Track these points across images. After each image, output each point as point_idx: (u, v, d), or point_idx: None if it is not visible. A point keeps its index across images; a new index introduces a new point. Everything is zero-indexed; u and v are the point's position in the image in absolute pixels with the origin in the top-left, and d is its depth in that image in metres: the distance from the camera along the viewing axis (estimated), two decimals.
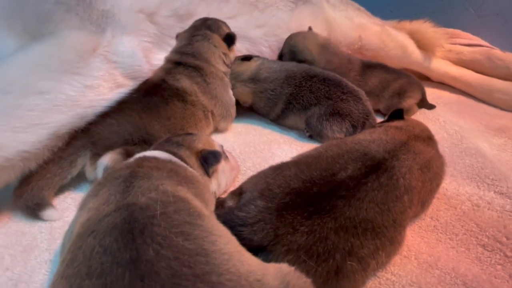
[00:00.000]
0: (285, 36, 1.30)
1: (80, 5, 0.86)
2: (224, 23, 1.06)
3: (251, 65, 1.03)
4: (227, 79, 1.01)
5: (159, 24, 1.02)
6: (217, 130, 1.01)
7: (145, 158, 0.56)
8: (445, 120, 1.19)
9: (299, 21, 1.35)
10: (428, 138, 0.76)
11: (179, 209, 0.44)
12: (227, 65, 1.01)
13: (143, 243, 0.37)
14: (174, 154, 0.61)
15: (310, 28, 1.25)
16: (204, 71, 0.92)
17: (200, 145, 0.67)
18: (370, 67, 1.17)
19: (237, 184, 0.79)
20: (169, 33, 1.05)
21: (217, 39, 0.98)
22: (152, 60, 0.98)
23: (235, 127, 1.05)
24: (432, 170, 0.67)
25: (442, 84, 1.54)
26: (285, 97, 1.00)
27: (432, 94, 1.41)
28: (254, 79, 1.02)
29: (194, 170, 0.62)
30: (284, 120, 1.03)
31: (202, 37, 0.96)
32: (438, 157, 0.71)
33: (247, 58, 1.05)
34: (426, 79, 1.55)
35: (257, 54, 1.22)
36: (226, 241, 0.44)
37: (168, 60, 0.96)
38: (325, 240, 0.49)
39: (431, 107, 1.27)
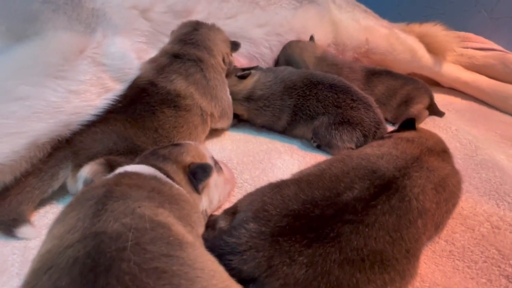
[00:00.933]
0: (288, 36, 1.23)
1: (69, 4, 0.80)
2: (222, 31, 0.96)
3: (248, 84, 0.96)
4: (224, 77, 0.92)
5: (153, 21, 0.96)
6: (214, 137, 0.95)
7: (125, 174, 0.50)
8: (457, 128, 1.11)
9: (304, 20, 1.28)
10: (442, 152, 0.68)
11: (156, 238, 0.38)
12: (225, 64, 0.93)
13: (106, 286, 0.31)
14: (159, 169, 0.55)
15: (311, 38, 1.18)
16: (204, 63, 0.83)
17: (189, 158, 0.60)
18: (375, 74, 1.09)
19: (233, 199, 0.73)
20: (164, 30, 0.98)
21: (224, 36, 0.93)
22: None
23: (234, 135, 0.98)
24: (448, 189, 0.60)
25: (453, 90, 1.45)
26: (289, 109, 0.93)
27: (442, 100, 1.32)
28: (249, 98, 0.95)
29: (182, 187, 0.55)
30: (292, 131, 0.96)
31: (208, 28, 0.90)
32: (455, 173, 0.64)
33: (243, 76, 0.96)
34: (436, 84, 1.47)
35: (257, 55, 1.16)
36: (210, 276, 0.38)
37: (164, 52, 0.86)
38: (328, 275, 0.42)
39: (441, 114, 1.19)
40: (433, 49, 1.39)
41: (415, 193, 0.54)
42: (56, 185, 0.66)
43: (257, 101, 0.95)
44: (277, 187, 0.54)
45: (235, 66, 1.02)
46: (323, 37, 1.35)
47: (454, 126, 1.12)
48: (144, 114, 0.73)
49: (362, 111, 0.89)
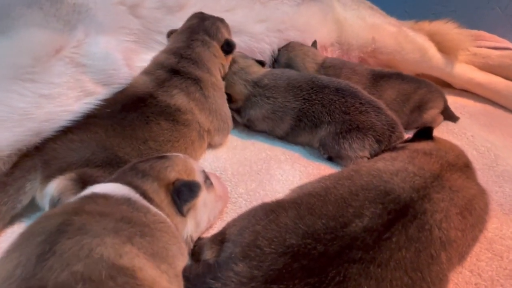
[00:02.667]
0: (289, 33, 1.13)
1: None
2: (223, 23, 0.89)
3: (261, 70, 0.91)
4: (223, 90, 0.86)
5: (143, 18, 0.86)
6: (209, 145, 0.86)
7: (91, 198, 0.41)
8: (473, 134, 1.01)
9: (306, 18, 1.19)
10: (465, 167, 0.59)
11: None
12: (222, 77, 0.88)
13: None
14: (136, 188, 0.46)
15: (314, 43, 1.10)
16: (204, 83, 0.78)
17: (174, 174, 0.51)
18: (383, 77, 0.98)
19: (226, 217, 0.64)
20: (156, 28, 0.88)
21: (217, 48, 0.85)
22: (135, 62, 0.82)
23: (231, 141, 0.89)
24: (475, 213, 0.50)
25: (465, 92, 1.34)
26: (293, 112, 0.84)
27: (454, 103, 1.22)
28: (256, 83, 0.88)
29: (162, 210, 0.46)
30: (295, 138, 0.87)
31: (202, 44, 0.83)
32: (482, 194, 0.54)
33: (261, 62, 0.94)
34: (446, 86, 1.36)
35: (256, 49, 1.07)
36: None
37: (160, 65, 0.78)
38: None
39: (455, 118, 1.08)
40: (445, 48, 1.28)
41: (437, 220, 0.45)
42: (25, 200, 0.58)
43: (260, 89, 0.87)
44: (273, 212, 0.44)
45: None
46: (326, 36, 1.25)
47: (469, 131, 1.02)
48: (136, 123, 0.65)
49: (372, 115, 0.79)
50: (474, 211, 0.50)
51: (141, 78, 0.76)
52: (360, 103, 0.81)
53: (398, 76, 0.99)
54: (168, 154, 0.57)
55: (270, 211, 0.45)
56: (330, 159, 0.84)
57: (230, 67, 0.90)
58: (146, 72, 0.78)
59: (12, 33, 0.63)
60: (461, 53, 1.30)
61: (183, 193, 0.49)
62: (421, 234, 0.42)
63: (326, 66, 1.00)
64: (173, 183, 0.50)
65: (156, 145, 0.66)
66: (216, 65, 0.84)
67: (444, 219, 0.45)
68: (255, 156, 0.84)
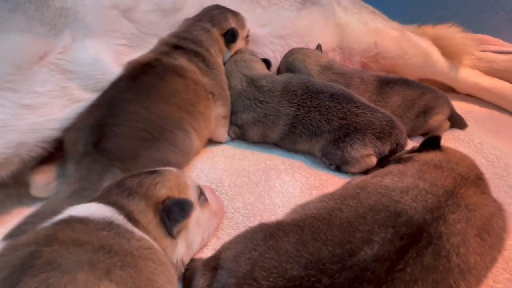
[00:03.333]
0: (291, 38, 1.09)
1: (32, 3, 0.67)
2: (235, 15, 0.89)
3: (265, 70, 0.90)
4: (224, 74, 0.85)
5: (138, 22, 0.82)
6: (205, 153, 0.81)
7: (68, 222, 0.37)
8: (480, 142, 0.96)
9: (307, 22, 1.15)
10: (478, 179, 0.54)
11: None
12: (223, 62, 0.87)
13: None
14: (121, 208, 0.42)
15: (318, 46, 1.05)
16: (205, 57, 0.79)
17: (163, 191, 0.46)
18: (388, 83, 0.94)
19: (221, 234, 0.59)
20: (151, 31, 0.84)
21: (216, 35, 0.85)
22: None
23: (229, 150, 0.84)
24: (493, 233, 0.45)
25: (469, 97, 1.30)
26: (288, 118, 0.80)
27: (460, 109, 1.17)
28: (253, 81, 0.84)
29: (149, 232, 0.42)
30: (293, 145, 0.83)
31: (201, 28, 0.83)
32: (499, 210, 0.49)
33: (267, 62, 0.93)
34: (451, 90, 1.32)
35: (258, 55, 1.04)
36: None
37: (164, 43, 0.79)
38: None
39: (463, 125, 1.04)
40: (449, 53, 1.24)
41: (455, 244, 0.40)
42: None
43: (255, 90, 0.84)
44: (272, 236, 0.40)
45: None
46: (328, 41, 1.21)
47: (476, 138, 0.97)
48: (154, 82, 0.66)
49: (368, 114, 0.77)
50: (493, 230, 0.45)
51: (143, 55, 0.76)
52: (356, 106, 0.78)
53: (404, 82, 0.96)
54: (160, 168, 0.53)
55: (269, 235, 0.40)
56: (338, 168, 0.79)
57: (233, 56, 0.88)
58: (150, 51, 0.78)
59: None
60: (466, 57, 1.26)
61: (173, 213, 0.44)
62: (438, 262, 0.38)
63: (336, 72, 0.95)
64: (163, 201, 0.45)
65: (183, 96, 0.68)
66: (216, 47, 0.84)
67: (462, 243, 0.40)
68: (253, 166, 0.79)
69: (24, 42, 0.60)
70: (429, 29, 1.33)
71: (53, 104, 0.60)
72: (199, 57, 0.78)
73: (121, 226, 0.39)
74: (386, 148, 0.75)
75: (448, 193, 0.46)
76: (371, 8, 1.37)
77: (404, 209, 0.42)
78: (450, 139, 0.99)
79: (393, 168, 0.56)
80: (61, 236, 0.34)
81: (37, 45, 0.62)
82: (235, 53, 0.89)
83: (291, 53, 0.97)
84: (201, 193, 0.54)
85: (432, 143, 0.63)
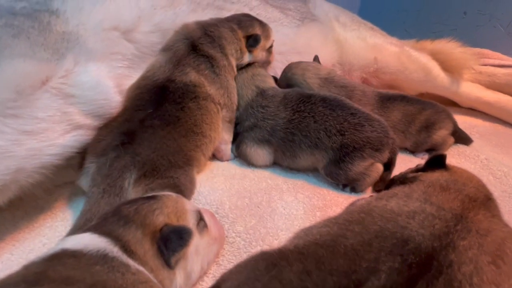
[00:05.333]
0: (291, 55, 1.10)
1: (35, 28, 0.68)
2: (262, 25, 0.92)
3: (274, 84, 0.91)
4: (233, 78, 0.87)
5: (138, 43, 0.83)
6: (204, 173, 0.80)
7: (60, 256, 0.35)
8: (487, 157, 0.94)
9: (307, 39, 1.16)
10: (487, 201, 0.52)
11: None
12: (237, 64, 0.89)
13: None
14: (116, 239, 0.40)
15: (316, 58, 1.04)
16: (216, 62, 0.81)
17: (161, 218, 0.45)
18: (389, 99, 0.94)
19: (221, 260, 0.57)
20: (151, 52, 0.84)
21: (239, 36, 0.88)
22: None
23: (229, 169, 0.83)
24: (508, 260, 0.43)
25: (472, 111, 1.29)
26: (283, 122, 0.79)
27: (463, 123, 1.16)
28: (262, 92, 0.85)
29: (145, 264, 0.40)
30: (295, 159, 0.80)
31: (228, 28, 0.87)
32: (511, 234, 0.47)
33: (275, 78, 0.96)
34: (453, 104, 1.31)
35: None
36: None
37: (184, 34, 0.81)
38: None
39: (468, 141, 1.02)
40: (449, 67, 1.24)
41: (467, 273, 0.37)
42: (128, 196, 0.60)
43: (260, 99, 0.85)
44: (275, 266, 0.38)
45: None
46: (327, 57, 1.21)
47: (482, 154, 0.95)
48: (176, 114, 0.70)
49: (367, 127, 0.75)
50: (507, 257, 0.42)
51: (157, 61, 0.77)
52: (351, 114, 0.76)
53: (403, 98, 0.95)
54: (159, 193, 0.51)
55: (271, 265, 0.38)
56: (346, 186, 0.78)
57: (251, 69, 0.90)
58: (165, 48, 0.79)
59: None
60: (466, 72, 1.26)
61: (171, 242, 0.43)
62: None
63: (337, 85, 0.94)
64: (161, 229, 0.44)
65: (198, 129, 0.71)
66: (233, 46, 0.85)
67: (475, 271, 0.38)
68: (255, 186, 0.78)
69: (27, 68, 0.60)
70: (428, 44, 1.34)
71: (54, 129, 0.59)
72: (207, 63, 0.79)
73: (115, 259, 0.37)
74: (385, 156, 0.75)
75: (457, 218, 0.44)
76: (369, 24, 1.38)
77: (411, 235, 0.40)
78: (455, 155, 0.97)
79: (398, 190, 0.54)
80: (51, 274, 0.32)
81: (40, 70, 0.62)
82: (252, 67, 0.91)
83: (289, 68, 0.97)
84: (200, 218, 0.52)
85: (437, 162, 0.61)
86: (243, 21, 0.89)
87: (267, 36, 0.93)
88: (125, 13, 0.81)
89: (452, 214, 0.45)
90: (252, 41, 0.88)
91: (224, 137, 0.84)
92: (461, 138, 1.00)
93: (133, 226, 0.42)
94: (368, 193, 0.79)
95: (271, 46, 0.96)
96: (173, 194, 0.52)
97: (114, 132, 0.65)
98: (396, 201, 0.49)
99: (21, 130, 0.55)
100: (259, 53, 0.92)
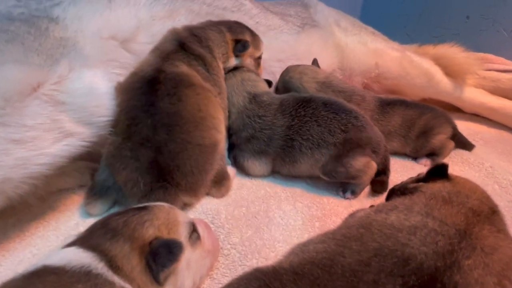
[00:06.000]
0: (291, 61, 1.09)
1: (31, 33, 0.67)
2: (253, 34, 0.90)
3: (267, 88, 0.88)
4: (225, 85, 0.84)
5: (136, 53, 0.82)
6: None
7: (41, 274, 0.33)
8: (492, 165, 0.91)
9: (307, 45, 1.14)
10: (492, 214, 0.49)
11: None
12: (224, 67, 0.86)
13: None
14: (102, 253, 0.38)
15: (314, 61, 1.02)
16: (207, 61, 0.78)
17: (151, 231, 0.43)
18: (389, 104, 0.93)
19: (216, 274, 0.55)
20: None
21: (227, 38, 0.85)
22: None
23: None
24: None
25: (476, 116, 1.26)
26: (282, 130, 0.76)
27: (467, 129, 1.13)
28: (255, 97, 0.83)
29: (132, 280, 0.38)
30: (295, 164, 0.77)
31: (216, 30, 0.84)
32: None
33: (268, 82, 0.93)
34: (457, 110, 1.29)
35: None
36: None
37: (171, 36, 0.78)
38: None
39: (470, 146, 0.99)
40: (452, 73, 1.21)
41: None
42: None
43: (255, 106, 0.82)
44: (268, 287, 0.35)
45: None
46: (328, 62, 1.20)
47: (487, 162, 0.93)
48: (173, 103, 0.65)
49: (368, 129, 0.76)
50: None
51: (145, 59, 0.75)
52: (354, 117, 0.76)
53: (402, 103, 0.94)
54: (150, 204, 0.50)
55: (264, 286, 0.36)
56: (346, 190, 0.77)
57: (239, 74, 0.87)
58: (153, 49, 0.77)
59: None
60: (470, 77, 1.23)
61: (160, 257, 0.41)
62: None
63: (335, 90, 0.92)
64: (150, 243, 0.42)
65: (203, 113, 0.68)
66: (220, 52, 0.83)
67: None
68: (253, 195, 0.75)
69: (18, 74, 0.59)
70: (430, 49, 1.32)
71: (44, 137, 0.58)
72: (199, 60, 0.77)
73: (100, 276, 0.35)
74: (378, 161, 0.76)
75: (461, 234, 0.42)
76: (370, 29, 1.37)
77: (412, 253, 0.38)
78: (458, 162, 0.95)
79: (398, 202, 0.52)
80: None
81: (31, 76, 0.60)
82: (240, 71, 0.88)
83: (287, 71, 0.96)
84: (193, 229, 0.50)
85: (439, 171, 0.59)
86: (233, 26, 0.87)
87: (257, 46, 0.91)
88: (124, 23, 0.81)
89: (455, 229, 0.42)
90: (240, 46, 0.85)
91: None
92: (462, 143, 0.97)
93: (120, 240, 0.40)
94: (365, 196, 0.78)
95: (259, 57, 0.94)
96: (165, 205, 0.50)
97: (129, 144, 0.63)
98: (396, 214, 0.46)
99: (9, 138, 0.53)
100: (247, 59, 0.89)
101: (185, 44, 0.76)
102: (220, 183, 0.71)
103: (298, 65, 0.96)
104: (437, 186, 0.55)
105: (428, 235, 0.41)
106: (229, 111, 0.84)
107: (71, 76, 0.67)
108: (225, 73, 0.87)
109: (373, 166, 0.75)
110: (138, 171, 0.61)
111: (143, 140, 0.62)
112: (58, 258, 0.36)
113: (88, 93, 0.66)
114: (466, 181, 0.58)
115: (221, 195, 0.71)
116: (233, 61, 0.87)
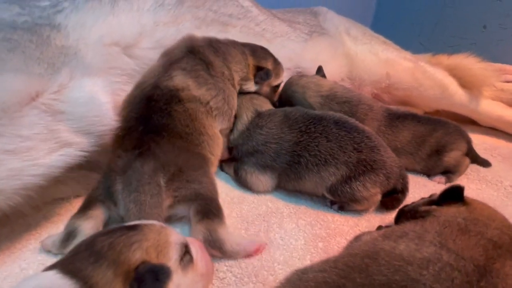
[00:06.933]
0: (297, 70, 1.07)
1: (33, 41, 0.66)
2: (277, 62, 0.90)
3: (270, 106, 0.86)
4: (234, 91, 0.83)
5: (138, 58, 0.80)
6: None
7: None
8: (511, 184, 0.85)
9: (315, 53, 1.11)
10: None
11: None
12: (240, 84, 0.85)
13: None
14: (83, 280, 0.35)
15: (319, 69, 0.98)
16: (214, 67, 0.77)
17: (138, 254, 0.40)
18: (399, 117, 0.87)
19: None
20: None
21: (250, 61, 0.85)
22: None
23: (227, 193, 0.76)
24: None
25: (493, 130, 1.20)
26: (289, 145, 0.73)
27: (483, 144, 1.07)
28: (259, 114, 0.80)
29: None
30: (299, 181, 0.73)
31: (240, 50, 0.84)
32: None
33: (274, 104, 0.91)
34: (472, 123, 1.22)
35: None
36: None
37: (186, 42, 0.78)
38: None
39: (485, 163, 0.93)
40: (467, 84, 1.16)
41: None
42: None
43: (258, 117, 0.80)
44: None
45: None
46: (336, 71, 1.16)
47: (506, 180, 0.87)
48: (165, 121, 0.67)
49: (382, 151, 0.71)
50: None
51: (153, 66, 0.75)
52: (367, 137, 0.72)
53: (414, 117, 0.88)
54: (141, 222, 0.47)
55: None
56: (342, 207, 0.73)
57: (250, 96, 0.85)
58: (164, 54, 0.77)
59: None
60: (487, 89, 1.17)
61: (145, 284, 0.37)
62: None
63: (339, 101, 0.87)
64: (136, 268, 0.39)
65: (190, 129, 0.68)
66: (238, 69, 0.82)
67: None
68: (254, 211, 0.72)
69: (17, 84, 0.58)
70: (444, 59, 1.27)
71: (39, 148, 0.56)
72: (206, 66, 0.76)
73: None
74: (390, 186, 0.72)
75: (480, 270, 0.37)
76: (382, 38, 1.33)
77: None
78: (475, 180, 0.89)
79: (409, 228, 0.47)
80: None
81: (30, 85, 0.59)
82: (252, 95, 0.86)
83: (290, 84, 0.92)
84: (186, 251, 0.47)
85: (454, 194, 0.54)
86: (258, 51, 0.87)
87: (278, 74, 0.90)
88: (127, 29, 0.79)
89: (473, 265, 0.37)
90: (263, 75, 0.85)
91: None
92: (477, 160, 0.91)
93: (104, 264, 0.37)
94: (373, 214, 0.73)
95: (278, 86, 0.92)
96: (157, 224, 0.47)
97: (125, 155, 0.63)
98: (406, 243, 0.42)
99: (2, 149, 0.52)
100: (265, 87, 0.88)
101: (196, 49, 0.76)
102: (203, 220, 0.58)
103: (301, 77, 0.92)
104: (452, 211, 0.50)
105: (443, 270, 0.36)
106: (234, 124, 0.82)
107: (71, 85, 0.66)
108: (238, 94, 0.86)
109: (378, 198, 0.72)
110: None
111: (134, 143, 0.63)
112: (34, 284, 0.34)
113: (88, 102, 0.64)
114: (483, 206, 0.53)
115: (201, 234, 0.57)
116: (252, 87, 0.86)
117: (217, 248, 0.55)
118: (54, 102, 0.62)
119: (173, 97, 0.70)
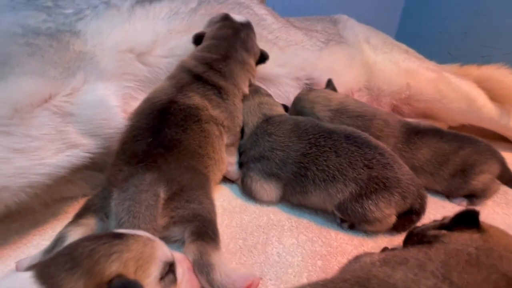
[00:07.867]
0: (309, 80, 1.03)
1: (53, 47, 0.69)
2: (252, 30, 0.88)
3: (283, 111, 0.85)
4: (241, 104, 0.83)
5: (151, 66, 0.82)
6: None
7: None
8: None
9: (329, 62, 1.07)
10: None
11: None
12: (250, 85, 0.86)
13: None
14: (51, 287, 0.34)
15: (329, 82, 0.93)
16: (224, 91, 0.76)
17: (115, 267, 0.38)
18: (418, 133, 0.79)
19: None
20: (164, 75, 0.83)
21: (251, 64, 0.84)
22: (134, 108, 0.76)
23: (230, 202, 0.75)
24: None
25: None
26: (296, 156, 0.70)
27: None
28: (268, 119, 0.78)
29: None
30: (305, 195, 0.70)
31: (239, 62, 0.81)
32: None
33: (285, 106, 0.90)
34: (503, 140, 1.11)
35: (280, 97, 0.99)
36: None
37: (186, 69, 0.76)
38: None
39: None
40: (498, 97, 1.06)
41: None
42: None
43: (265, 125, 0.78)
44: None
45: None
46: (352, 81, 1.11)
47: None
48: (178, 137, 0.64)
49: (395, 168, 0.65)
50: None
51: (161, 86, 0.74)
52: (380, 153, 0.66)
53: (436, 133, 0.79)
54: (129, 232, 0.44)
55: None
56: (352, 226, 0.68)
57: (258, 97, 0.84)
58: (169, 77, 0.76)
59: (2, 82, 0.59)
60: None
61: None
62: None
63: (351, 115, 0.82)
64: (110, 281, 0.37)
65: (202, 150, 0.66)
66: (246, 78, 0.83)
67: None
68: (254, 222, 0.69)
69: (31, 86, 0.60)
70: (474, 70, 1.17)
71: (46, 148, 0.58)
72: (217, 90, 0.75)
73: None
74: (407, 207, 0.65)
75: None
76: (404, 46, 1.25)
77: None
78: (502, 203, 0.79)
79: (411, 254, 0.42)
80: None
81: (45, 88, 0.61)
82: (258, 95, 0.84)
83: (299, 99, 0.88)
84: (170, 270, 0.43)
85: (468, 218, 0.48)
86: (246, 42, 0.84)
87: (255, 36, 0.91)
88: (142, 37, 0.81)
89: None
90: (262, 60, 0.86)
91: (229, 160, 0.78)
92: (509, 182, 0.81)
93: (77, 273, 0.36)
94: (381, 234, 0.67)
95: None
96: (145, 235, 0.44)
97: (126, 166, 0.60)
98: (404, 272, 0.37)
99: (11, 148, 0.54)
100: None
101: (203, 77, 0.75)
102: (197, 241, 0.53)
103: (310, 91, 0.89)
104: (464, 239, 0.44)
105: None
106: (242, 131, 0.81)
107: (84, 88, 0.68)
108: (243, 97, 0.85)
109: (393, 220, 0.65)
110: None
111: (139, 157, 0.60)
112: (8, 286, 0.33)
113: (97, 106, 0.66)
114: (502, 235, 0.46)
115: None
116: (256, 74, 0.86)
117: (204, 274, 0.48)
118: (65, 104, 0.63)
119: (192, 115, 0.68)
